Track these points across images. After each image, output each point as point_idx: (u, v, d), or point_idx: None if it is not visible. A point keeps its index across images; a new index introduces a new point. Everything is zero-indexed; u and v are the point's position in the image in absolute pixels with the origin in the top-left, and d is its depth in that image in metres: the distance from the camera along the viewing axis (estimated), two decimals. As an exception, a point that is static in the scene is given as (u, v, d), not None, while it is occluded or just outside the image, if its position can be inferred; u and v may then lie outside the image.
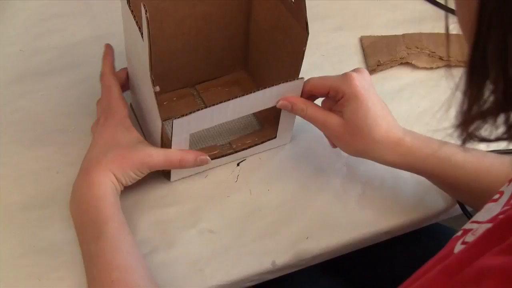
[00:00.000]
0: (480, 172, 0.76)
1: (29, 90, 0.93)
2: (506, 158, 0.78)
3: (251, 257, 0.77)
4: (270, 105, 0.81)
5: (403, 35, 1.04)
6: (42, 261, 0.76)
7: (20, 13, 1.05)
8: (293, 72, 0.81)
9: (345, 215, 0.82)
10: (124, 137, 0.78)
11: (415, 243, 0.93)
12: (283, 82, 0.79)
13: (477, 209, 0.68)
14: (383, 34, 1.05)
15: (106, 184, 0.75)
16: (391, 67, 1.00)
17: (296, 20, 0.77)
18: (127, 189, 0.81)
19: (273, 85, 0.78)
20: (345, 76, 0.78)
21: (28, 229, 0.78)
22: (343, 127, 0.78)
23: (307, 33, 0.75)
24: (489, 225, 0.51)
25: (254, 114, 0.92)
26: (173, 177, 0.84)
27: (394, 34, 1.05)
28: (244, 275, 0.76)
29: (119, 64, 0.92)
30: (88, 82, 0.95)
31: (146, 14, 0.63)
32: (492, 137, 0.43)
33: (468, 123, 0.43)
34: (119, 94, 0.82)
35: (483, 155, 0.78)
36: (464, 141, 0.44)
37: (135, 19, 0.69)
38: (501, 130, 0.42)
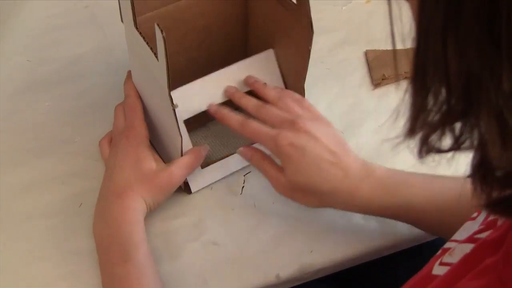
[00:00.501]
0: (446, 205, 0.73)
1: (35, 100, 0.94)
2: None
3: (255, 270, 0.77)
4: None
5: (408, 49, 1.04)
6: (46, 271, 0.76)
7: (28, 23, 1.06)
8: (300, 72, 0.82)
9: (349, 229, 0.82)
10: (147, 159, 0.78)
11: (417, 256, 0.93)
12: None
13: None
14: (388, 48, 1.05)
15: (139, 210, 0.76)
16: (396, 81, 1.00)
17: (299, 20, 0.78)
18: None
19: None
20: (272, 139, 0.75)
21: (33, 239, 0.79)
22: (290, 186, 0.76)
23: (312, 31, 0.76)
24: (466, 247, 0.51)
25: None
26: (193, 188, 0.84)
27: (399, 48, 1.05)
28: (248, 288, 0.76)
29: (125, 75, 0.92)
30: (94, 92, 0.95)
31: (162, 34, 0.63)
32: (444, 147, 0.42)
33: (415, 133, 0.42)
34: (142, 115, 0.82)
35: (446, 184, 0.75)
36: (419, 153, 0.44)
37: (145, 40, 0.70)
38: (450, 140, 0.41)
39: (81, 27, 1.06)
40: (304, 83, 0.84)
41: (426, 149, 0.42)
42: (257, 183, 0.86)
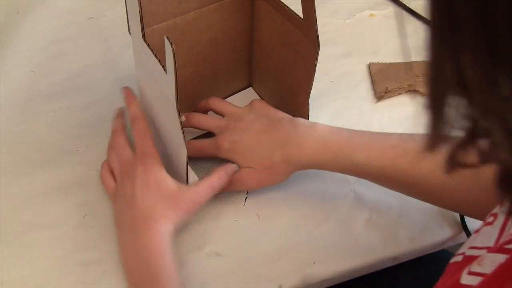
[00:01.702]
0: (387, 162, 0.78)
1: (40, 111, 0.94)
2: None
3: (258, 281, 0.77)
4: None
5: (411, 63, 1.05)
6: (50, 282, 0.76)
7: (32, 34, 1.06)
8: (305, 87, 0.82)
9: (352, 240, 0.82)
10: (167, 182, 0.77)
11: (420, 268, 0.93)
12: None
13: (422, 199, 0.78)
14: (391, 61, 1.06)
15: (167, 235, 0.74)
16: (399, 94, 1.01)
17: (306, 35, 0.78)
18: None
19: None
20: (214, 146, 0.84)
21: (37, 249, 0.79)
22: (253, 174, 0.82)
23: (318, 46, 0.76)
24: (498, 257, 0.51)
25: None
26: None
27: (402, 61, 1.06)
28: (251, 299, 0.76)
29: (129, 87, 0.93)
30: (98, 104, 0.96)
31: (172, 47, 0.64)
32: (469, 161, 0.42)
33: (436, 147, 0.42)
34: (153, 139, 0.81)
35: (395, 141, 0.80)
36: (447, 170, 0.44)
37: (153, 53, 0.70)
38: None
39: (86, 38, 1.07)
40: (308, 98, 0.84)
41: (453, 164, 0.42)
42: (260, 195, 0.86)
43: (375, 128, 0.95)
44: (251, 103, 0.88)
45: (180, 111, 0.71)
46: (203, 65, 0.89)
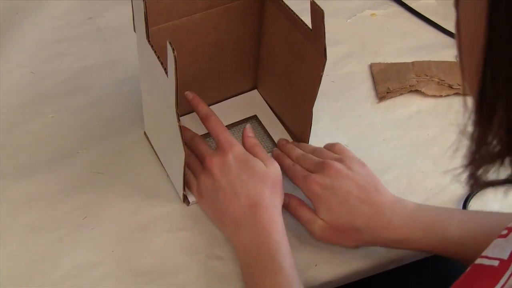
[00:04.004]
0: (482, 239, 0.71)
1: (39, 112, 0.94)
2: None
3: (260, 284, 0.77)
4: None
5: (413, 63, 1.04)
6: (51, 284, 0.75)
7: (32, 35, 1.06)
8: (309, 96, 0.82)
9: (354, 242, 0.82)
10: (258, 166, 0.80)
11: (424, 269, 0.92)
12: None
13: None
14: (393, 61, 1.05)
15: (278, 215, 0.76)
16: (401, 94, 1.00)
17: (313, 46, 0.78)
18: (137, 213, 0.81)
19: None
20: (305, 181, 0.79)
21: (36, 252, 0.78)
22: (325, 228, 0.78)
23: (325, 58, 0.76)
24: None
25: None
26: (191, 199, 0.84)
27: (403, 61, 1.05)
28: (252, 302, 0.76)
29: (129, 88, 0.92)
30: (98, 105, 0.95)
31: (173, 53, 0.63)
32: (500, 179, 0.42)
33: (476, 165, 0.42)
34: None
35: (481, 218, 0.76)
36: (471, 187, 0.43)
37: (156, 54, 0.70)
38: (509, 171, 0.42)
39: (85, 39, 1.06)
40: (312, 107, 0.83)
41: (480, 182, 0.42)
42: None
43: (377, 129, 0.95)
44: (342, 151, 0.84)
45: (180, 109, 0.70)
46: (208, 65, 0.89)
